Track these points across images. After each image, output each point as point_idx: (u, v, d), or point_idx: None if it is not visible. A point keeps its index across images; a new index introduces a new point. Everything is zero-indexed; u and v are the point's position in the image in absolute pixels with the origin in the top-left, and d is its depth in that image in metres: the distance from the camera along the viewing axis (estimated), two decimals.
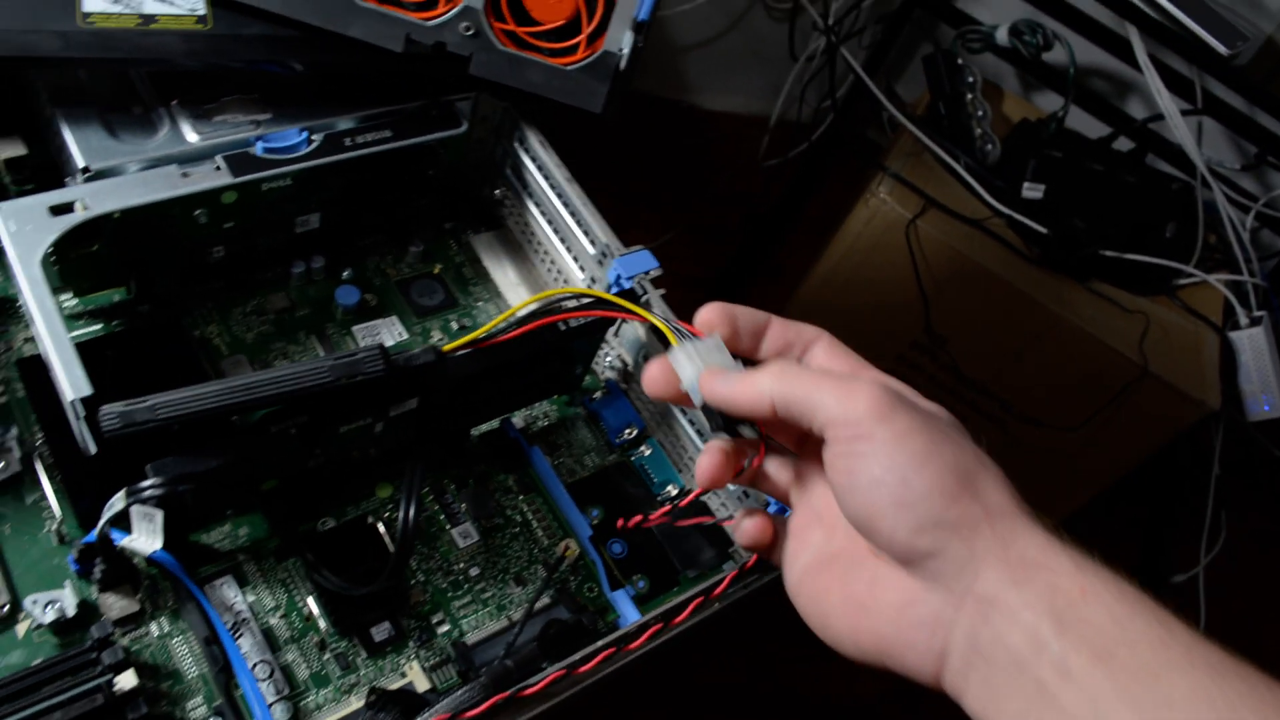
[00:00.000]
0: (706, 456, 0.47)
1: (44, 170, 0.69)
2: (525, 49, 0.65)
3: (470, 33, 0.63)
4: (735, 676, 1.36)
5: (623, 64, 0.66)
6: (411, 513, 0.56)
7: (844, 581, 0.44)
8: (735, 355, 0.47)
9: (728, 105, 1.79)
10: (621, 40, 0.65)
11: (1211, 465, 1.51)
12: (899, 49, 1.72)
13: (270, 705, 0.54)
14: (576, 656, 0.51)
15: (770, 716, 1.37)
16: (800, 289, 1.50)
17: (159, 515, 0.53)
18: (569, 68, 0.65)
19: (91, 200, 0.58)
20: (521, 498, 0.65)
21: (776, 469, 0.50)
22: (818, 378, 0.43)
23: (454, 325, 0.72)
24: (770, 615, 0.55)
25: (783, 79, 1.70)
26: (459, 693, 0.50)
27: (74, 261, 0.62)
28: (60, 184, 0.65)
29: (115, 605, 0.57)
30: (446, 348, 0.55)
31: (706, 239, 1.62)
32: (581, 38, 0.65)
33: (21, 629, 0.55)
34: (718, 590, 0.55)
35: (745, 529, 0.50)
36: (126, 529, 0.54)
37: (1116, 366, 1.35)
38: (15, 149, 0.69)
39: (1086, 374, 1.38)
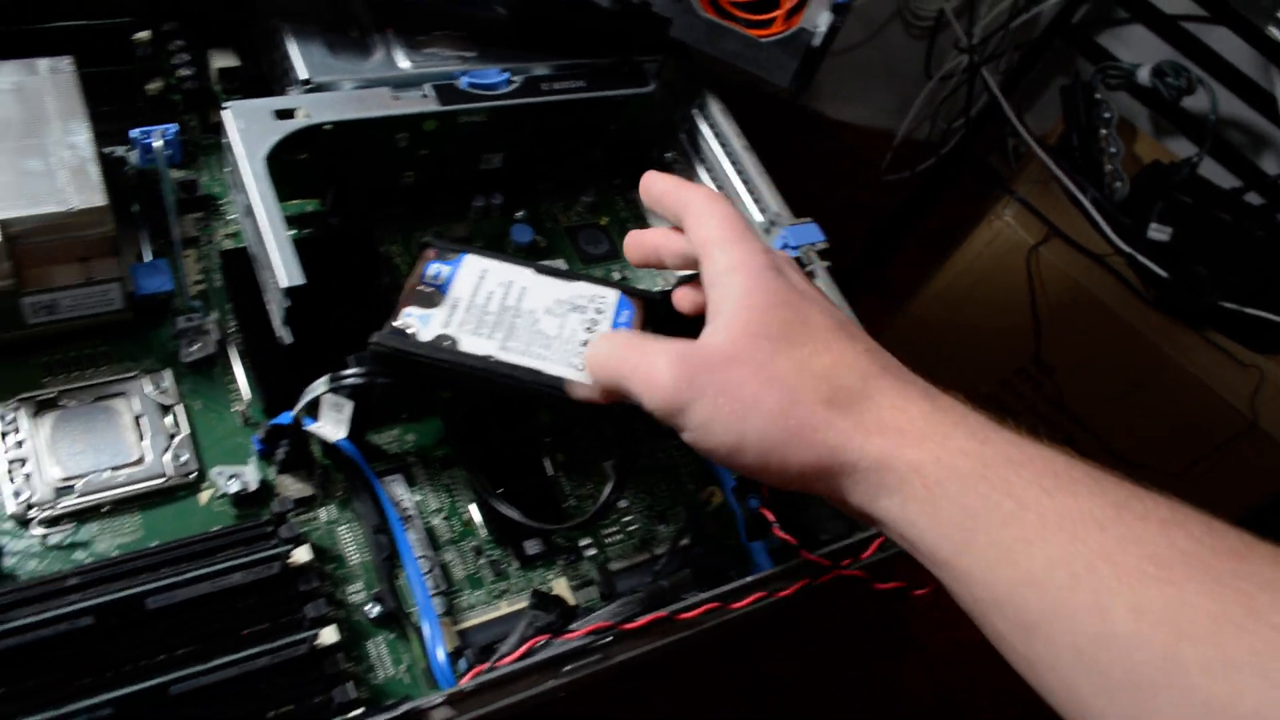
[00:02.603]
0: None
1: (253, 82, 0.73)
2: (724, 17, 0.67)
3: None
4: (795, 668, 1.38)
5: (816, 41, 0.68)
6: (615, 495, 0.60)
7: None
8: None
9: (854, 116, 1.81)
10: (818, 19, 0.68)
11: None
12: (1032, 78, 1.73)
13: (430, 596, 0.57)
14: (728, 588, 0.53)
15: (826, 707, 1.38)
16: (912, 302, 1.51)
17: (349, 406, 0.57)
18: (764, 40, 0.68)
19: (312, 109, 0.62)
20: (673, 442, 0.68)
21: None
22: (619, 362, 0.47)
23: (615, 275, 0.75)
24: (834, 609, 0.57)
25: (912, 95, 1.71)
26: (615, 604, 0.53)
27: (281, 167, 0.66)
28: (268, 95, 0.70)
29: (291, 487, 0.60)
30: None
31: None
32: (780, 12, 0.67)
33: (204, 497, 0.59)
34: (867, 553, 0.57)
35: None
36: (313, 417, 0.58)
37: (1224, 417, 1.34)
38: (229, 60, 0.73)
39: (1192, 421, 1.37)
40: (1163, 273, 1.36)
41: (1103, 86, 1.50)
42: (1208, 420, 1.35)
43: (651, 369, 0.44)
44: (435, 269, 0.57)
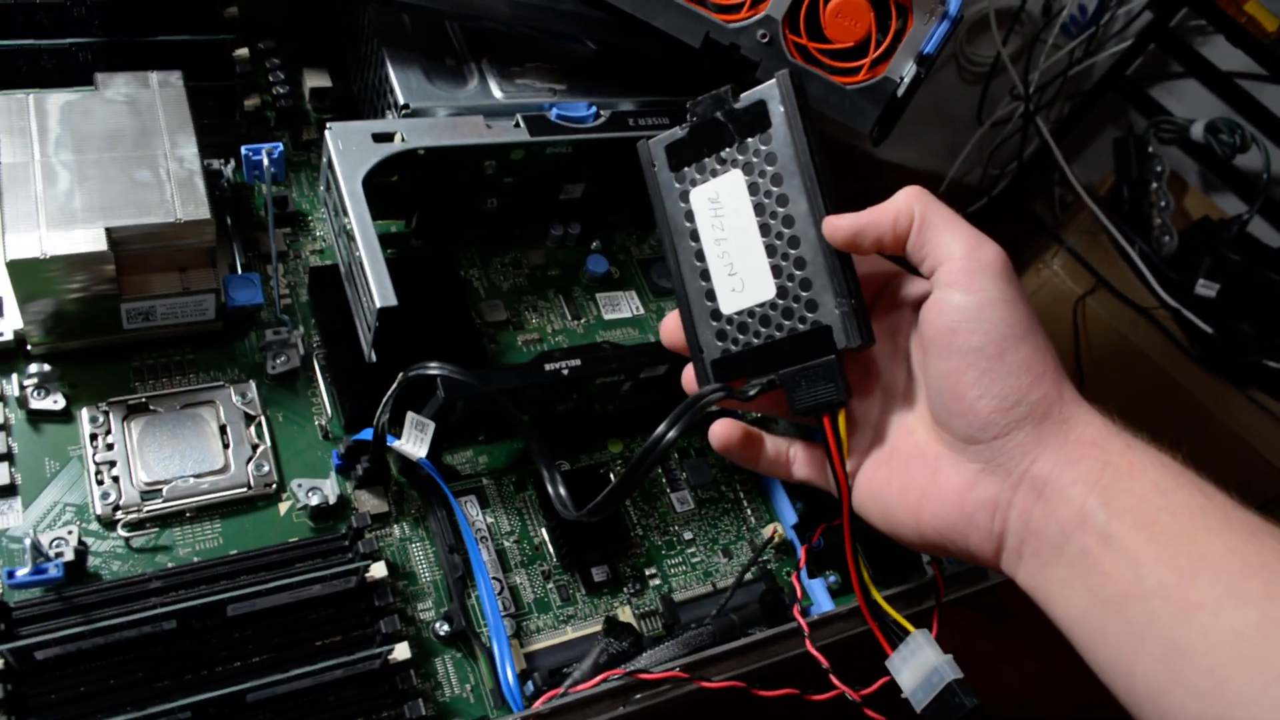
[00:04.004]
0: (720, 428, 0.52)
1: (342, 103, 0.75)
2: (811, 63, 0.69)
3: (765, 40, 0.67)
4: None
5: (900, 91, 0.69)
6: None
7: (905, 472, 0.47)
8: None
9: (901, 157, 1.82)
10: (903, 69, 0.69)
11: None
12: (1081, 129, 1.74)
13: (501, 617, 0.58)
14: (791, 626, 0.54)
15: None
16: None
17: (431, 426, 0.58)
18: (848, 87, 0.69)
19: (408, 134, 0.63)
20: (735, 477, 0.69)
21: None
22: (953, 216, 0.46)
23: None
24: None
25: (963, 140, 1.72)
26: (687, 634, 0.54)
27: (372, 189, 0.68)
28: (356, 117, 0.72)
29: (367, 503, 0.61)
30: None
31: None
32: (866, 61, 0.69)
33: (283, 508, 0.60)
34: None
35: (714, 432, 0.52)
36: (396, 435, 0.59)
37: (1264, 477, 1.34)
38: (322, 80, 0.75)
39: (1231, 479, 1.36)
40: (1208, 329, 1.37)
41: (1155, 140, 1.51)
42: (1247, 479, 1.35)
43: (982, 238, 0.44)
44: None
